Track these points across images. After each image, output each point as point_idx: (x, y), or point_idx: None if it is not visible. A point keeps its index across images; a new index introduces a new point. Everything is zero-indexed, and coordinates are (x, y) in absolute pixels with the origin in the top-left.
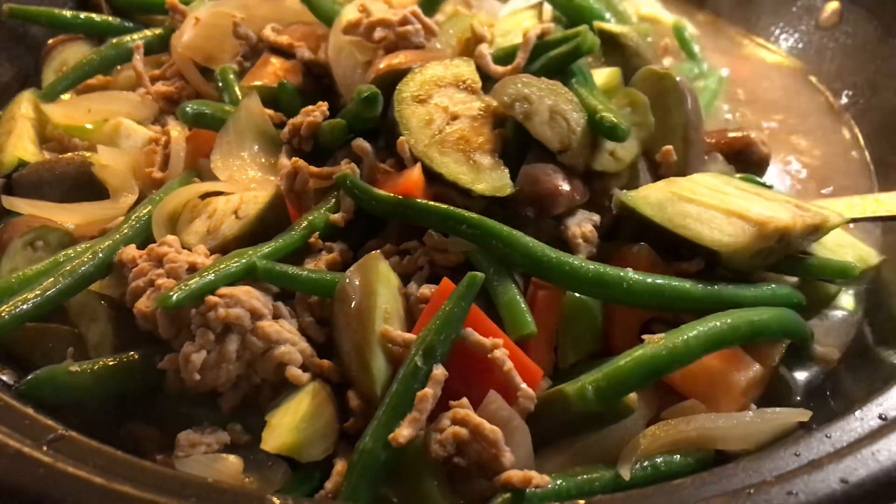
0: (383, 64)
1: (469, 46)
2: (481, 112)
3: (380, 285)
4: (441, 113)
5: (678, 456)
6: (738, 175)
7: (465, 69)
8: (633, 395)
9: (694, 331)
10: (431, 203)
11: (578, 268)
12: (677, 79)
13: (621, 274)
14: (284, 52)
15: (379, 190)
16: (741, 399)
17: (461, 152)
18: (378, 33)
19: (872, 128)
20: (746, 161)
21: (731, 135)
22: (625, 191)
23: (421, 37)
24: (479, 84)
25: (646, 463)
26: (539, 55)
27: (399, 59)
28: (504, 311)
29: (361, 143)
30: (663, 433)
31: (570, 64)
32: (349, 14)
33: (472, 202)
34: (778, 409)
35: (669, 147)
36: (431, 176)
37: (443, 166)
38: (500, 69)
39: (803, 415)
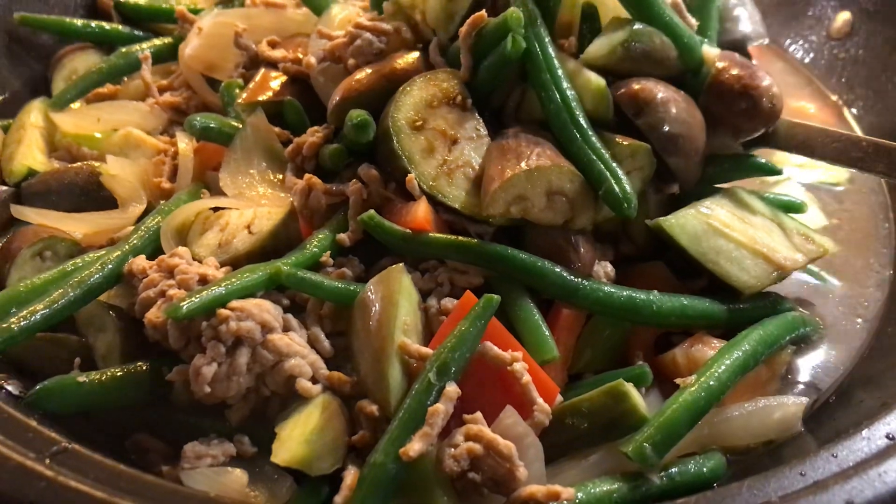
0: (337, 97)
1: (410, 38)
2: (478, 131)
3: (402, 297)
4: (440, 138)
5: (692, 465)
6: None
7: (452, 83)
8: (643, 405)
9: (722, 366)
10: (459, 239)
11: (610, 294)
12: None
13: (650, 297)
14: (277, 67)
15: (403, 229)
16: (746, 398)
17: (469, 180)
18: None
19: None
20: (755, 127)
21: (735, 72)
22: (664, 218)
23: (374, 43)
24: (470, 100)
25: (661, 473)
26: (485, 48)
27: (350, 84)
28: (527, 335)
29: (369, 171)
30: None
31: (505, 68)
32: (335, 13)
33: (483, 228)
34: (775, 398)
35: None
36: (441, 203)
37: (456, 201)
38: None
39: (800, 402)
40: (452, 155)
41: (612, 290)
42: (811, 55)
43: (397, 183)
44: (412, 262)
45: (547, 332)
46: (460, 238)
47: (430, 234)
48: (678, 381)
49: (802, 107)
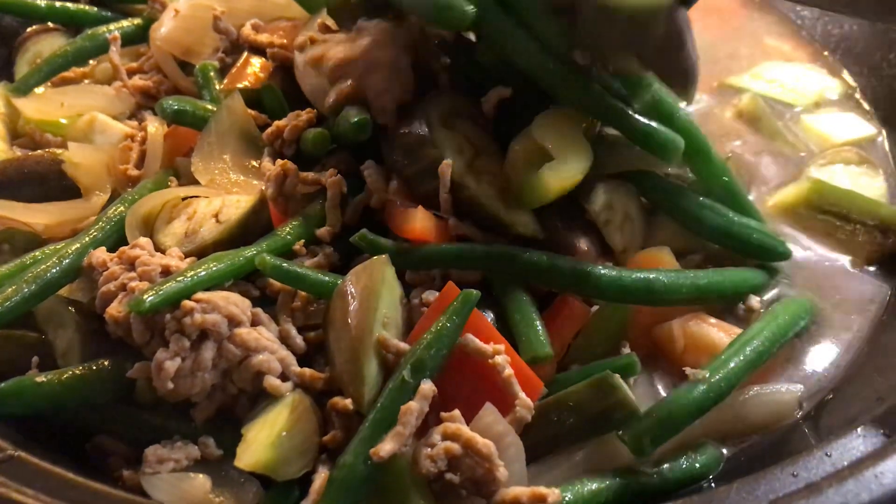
0: (334, 95)
1: None
2: (497, 150)
3: (384, 289)
4: (467, 144)
5: (684, 460)
6: None
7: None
8: (631, 396)
9: (733, 362)
10: (460, 246)
11: (620, 276)
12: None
13: (660, 276)
14: (263, 52)
15: (398, 244)
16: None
17: (492, 186)
18: None
19: (877, 115)
20: None
21: None
22: None
23: None
24: (490, 124)
25: (652, 469)
26: None
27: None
28: (521, 331)
29: (373, 172)
30: None
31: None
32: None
33: (495, 240)
34: (769, 385)
35: None
36: (465, 201)
37: (483, 197)
38: None
39: (794, 390)
40: (478, 160)
41: (624, 272)
42: (804, 31)
43: (402, 179)
44: None
45: (541, 329)
46: (460, 245)
47: (429, 246)
48: (688, 371)
49: (777, 45)
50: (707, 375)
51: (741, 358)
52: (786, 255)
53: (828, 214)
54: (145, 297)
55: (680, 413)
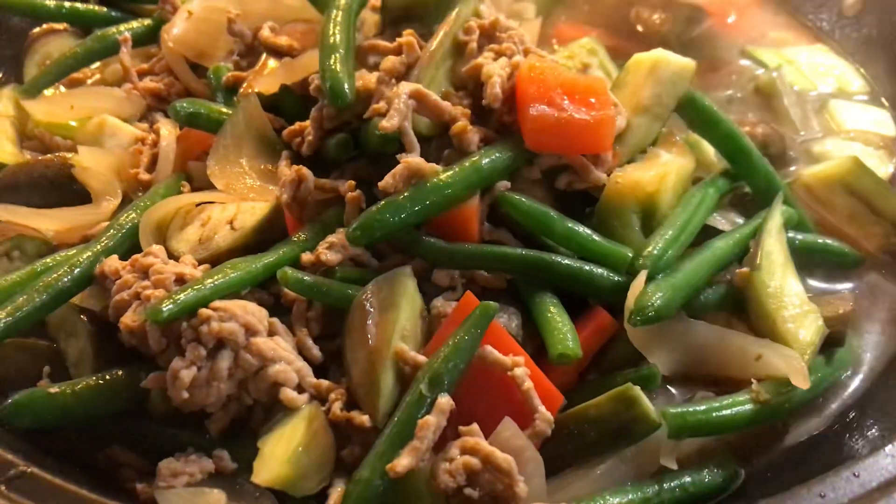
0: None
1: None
2: None
3: (405, 301)
4: None
5: (706, 475)
6: None
7: None
8: (652, 409)
9: (792, 395)
10: (501, 249)
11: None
12: None
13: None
14: (281, 54)
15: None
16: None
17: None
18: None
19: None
20: None
21: None
22: None
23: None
24: None
25: (674, 483)
26: None
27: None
28: (551, 328)
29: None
30: None
31: None
32: None
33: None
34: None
35: None
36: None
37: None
38: None
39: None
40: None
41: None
42: (823, 34)
43: None
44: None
45: (571, 327)
46: (499, 248)
47: (468, 245)
48: (754, 386)
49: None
50: (768, 398)
51: (803, 396)
52: (859, 262)
53: (854, 197)
54: (163, 305)
55: (727, 424)
